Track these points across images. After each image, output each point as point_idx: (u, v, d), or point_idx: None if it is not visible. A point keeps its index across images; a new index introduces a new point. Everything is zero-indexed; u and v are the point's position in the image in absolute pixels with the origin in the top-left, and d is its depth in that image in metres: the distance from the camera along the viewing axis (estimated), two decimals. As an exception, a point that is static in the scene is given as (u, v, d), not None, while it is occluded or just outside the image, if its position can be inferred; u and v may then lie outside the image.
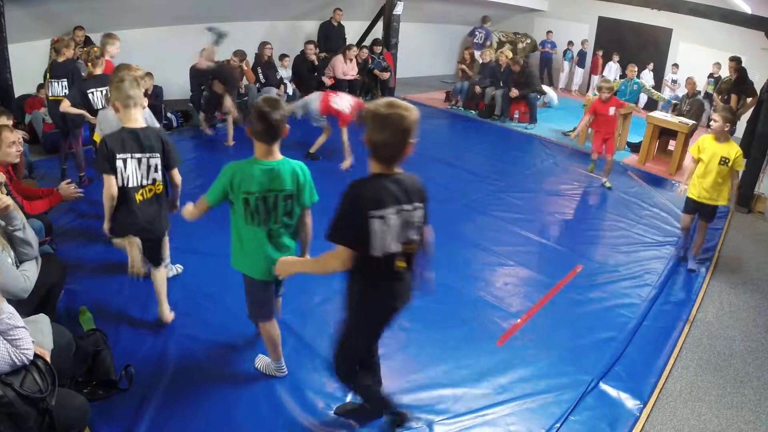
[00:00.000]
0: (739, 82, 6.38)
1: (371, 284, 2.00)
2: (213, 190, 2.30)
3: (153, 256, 2.91)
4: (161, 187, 2.78)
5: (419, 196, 2.01)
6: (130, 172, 2.64)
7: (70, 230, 4.07)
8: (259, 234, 2.29)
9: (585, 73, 11.02)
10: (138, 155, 2.63)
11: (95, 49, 4.51)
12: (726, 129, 3.96)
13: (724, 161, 3.88)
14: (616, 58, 10.22)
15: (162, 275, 2.98)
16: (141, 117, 2.69)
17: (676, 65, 9.75)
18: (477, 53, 9.73)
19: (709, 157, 3.95)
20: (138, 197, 2.70)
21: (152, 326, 3.06)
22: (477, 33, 10.59)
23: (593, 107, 5.78)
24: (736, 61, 6.23)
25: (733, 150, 3.91)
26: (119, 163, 2.60)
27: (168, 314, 3.04)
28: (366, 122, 1.88)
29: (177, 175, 2.83)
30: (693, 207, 4.16)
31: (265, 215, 2.28)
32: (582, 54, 10.66)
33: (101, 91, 4.11)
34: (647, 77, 9.57)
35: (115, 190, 2.61)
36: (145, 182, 2.70)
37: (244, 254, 2.36)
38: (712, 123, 4.03)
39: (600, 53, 10.53)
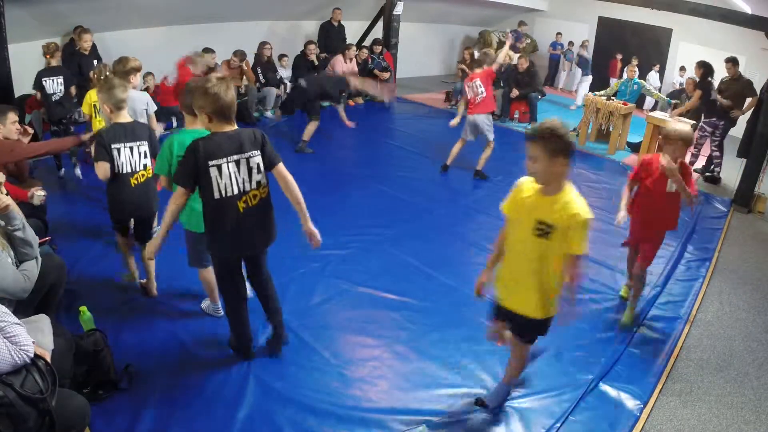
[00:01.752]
0: (702, 78, 6.44)
1: (218, 224, 2.41)
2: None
3: (143, 233, 3.27)
4: (151, 172, 3.15)
5: (255, 146, 2.39)
6: (124, 159, 3.02)
7: (70, 230, 4.06)
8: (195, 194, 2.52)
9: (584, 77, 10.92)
10: (130, 144, 3.03)
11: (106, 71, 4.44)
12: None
13: (541, 230, 2.11)
14: (635, 62, 9.89)
15: None
16: (127, 114, 3.12)
17: (683, 68, 9.49)
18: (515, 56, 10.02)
19: (517, 219, 2.23)
20: (133, 181, 3.08)
21: (152, 326, 3.06)
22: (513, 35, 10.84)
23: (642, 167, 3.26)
24: (731, 61, 6.24)
25: (567, 212, 2.10)
26: (114, 153, 2.98)
27: (155, 289, 3.34)
28: (195, 95, 2.32)
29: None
30: (498, 313, 2.44)
31: None
32: (583, 60, 10.15)
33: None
34: (653, 78, 9.46)
35: (107, 173, 2.97)
36: (138, 168, 3.08)
37: (191, 212, 2.76)
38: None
39: (619, 57, 10.30)
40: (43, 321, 2.18)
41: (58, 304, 2.89)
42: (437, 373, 2.88)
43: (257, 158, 2.41)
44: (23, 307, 2.43)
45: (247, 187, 2.42)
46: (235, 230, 2.43)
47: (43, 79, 4.93)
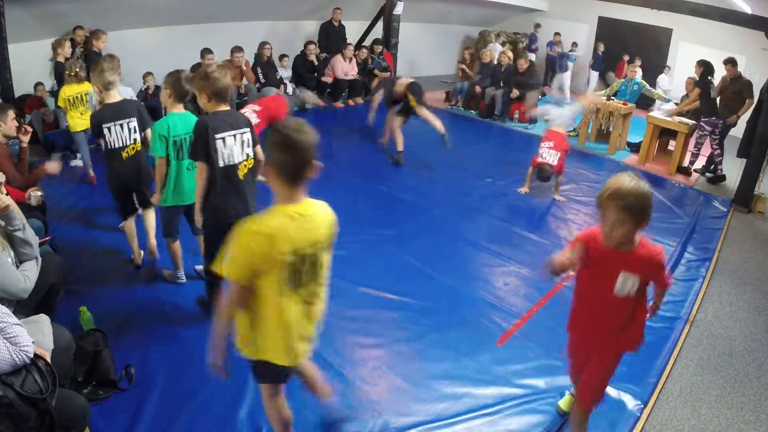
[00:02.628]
0: (702, 76, 6.43)
1: (224, 190, 2.74)
2: None
3: (142, 200, 3.57)
4: (140, 146, 3.47)
5: (245, 124, 2.80)
6: (114, 137, 3.34)
7: (70, 230, 4.06)
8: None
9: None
10: (120, 122, 3.34)
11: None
12: None
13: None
14: (638, 62, 9.81)
15: (151, 215, 3.64)
16: (117, 94, 3.40)
17: (668, 67, 9.53)
18: (532, 56, 10.36)
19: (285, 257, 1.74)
20: (124, 155, 3.40)
21: (153, 326, 3.06)
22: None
23: None
24: (730, 62, 6.24)
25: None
26: (105, 131, 3.31)
27: (155, 248, 3.67)
28: (197, 79, 2.69)
29: (149, 134, 3.37)
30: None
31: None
32: (564, 57, 10.30)
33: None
34: (664, 82, 9.32)
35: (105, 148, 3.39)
36: (128, 143, 3.40)
37: (166, 190, 3.16)
38: None
39: (626, 58, 10.31)
40: (43, 321, 2.18)
41: (58, 304, 2.89)
42: (437, 373, 2.88)
43: (248, 134, 2.82)
44: (23, 307, 2.43)
45: (242, 158, 2.80)
46: (237, 195, 2.80)
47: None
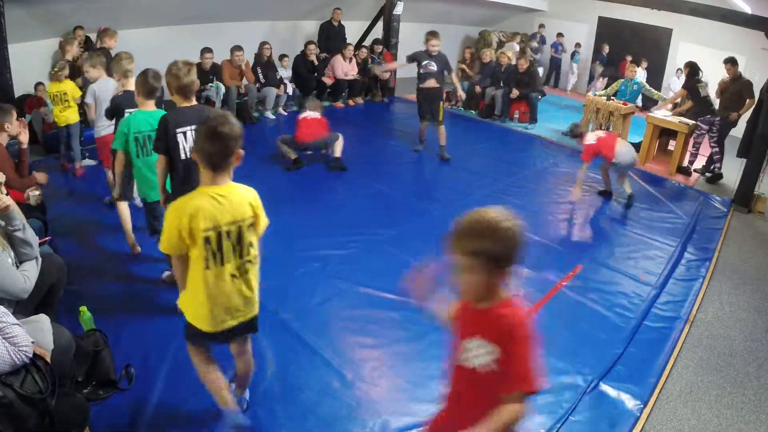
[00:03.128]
0: (688, 77, 6.50)
1: (188, 181, 2.80)
2: None
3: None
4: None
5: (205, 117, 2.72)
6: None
7: (70, 230, 4.06)
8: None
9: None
10: (131, 110, 3.47)
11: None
12: None
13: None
14: (644, 64, 9.80)
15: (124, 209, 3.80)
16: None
17: (680, 70, 9.46)
18: (537, 56, 10.57)
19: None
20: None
21: (153, 326, 3.06)
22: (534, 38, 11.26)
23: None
24: (730, 62, 6.25)
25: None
26: (126, 113, 3.47)
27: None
28: (166, 80, 2.78)
29: None
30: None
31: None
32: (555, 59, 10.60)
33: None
34: (676, 84, 9.23)
35: None
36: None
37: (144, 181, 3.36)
38: None
39: (629, 58, 10.29)
40: (43, 321, 2.18)
41: (58, 304, 2.89)
42: (437, 373, 2.88)
43: None
44: (23, 307, 2.43)
45: None
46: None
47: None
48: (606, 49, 10.49)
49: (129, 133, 3.19)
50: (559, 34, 11.12)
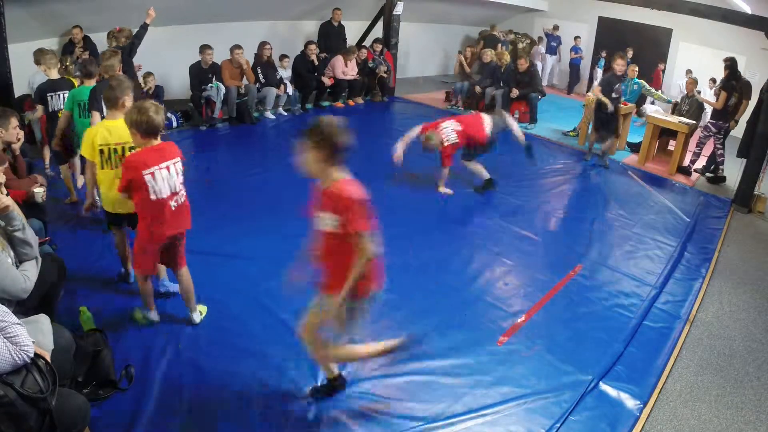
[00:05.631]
0: (728, 79, 6.34)
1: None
2: None
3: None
4: None
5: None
6: None
7: (70, 230, 4.06)
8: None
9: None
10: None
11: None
12: None
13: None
14: (661, 66, 9.76)
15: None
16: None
17: (689, 71, 9.17)
18: (552, 58, 11.02)
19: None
20: None
21: (153, 326, 3.06)
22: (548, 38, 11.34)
23: None
24: (730, 61, 6.24)
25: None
26: None
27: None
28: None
29: None
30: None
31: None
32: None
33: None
34: (675, 85, 9.25)
35: None
36: None
37: None
38: None
39: (629, 53, 10.23)
40: (43, 321, 2.17)
41: (58, 304, 2.88)
42: (437, 373, 2.88)
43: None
44: (23, 307, 2.43)
45: None
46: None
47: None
48: (604, 54, 10.47)
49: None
50: (577, 37, 11.00)
